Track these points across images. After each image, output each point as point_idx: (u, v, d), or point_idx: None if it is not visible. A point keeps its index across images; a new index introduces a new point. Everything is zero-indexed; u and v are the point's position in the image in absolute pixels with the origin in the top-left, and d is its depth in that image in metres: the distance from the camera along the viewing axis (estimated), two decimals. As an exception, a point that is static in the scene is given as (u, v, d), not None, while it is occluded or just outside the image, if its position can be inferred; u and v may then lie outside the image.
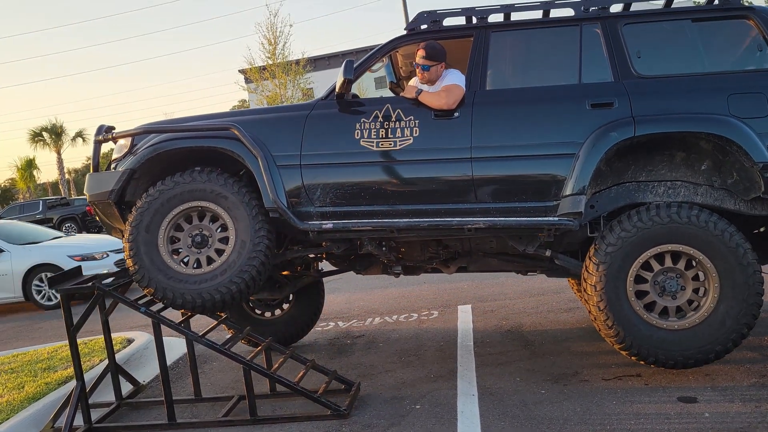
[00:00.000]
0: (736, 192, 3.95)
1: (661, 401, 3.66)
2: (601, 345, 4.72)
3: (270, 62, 28.12)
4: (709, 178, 4.03)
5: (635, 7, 4.30)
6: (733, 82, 3.92)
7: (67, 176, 46.80)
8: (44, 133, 42.86)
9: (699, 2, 4.40)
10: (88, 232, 27.51)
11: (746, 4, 4.14)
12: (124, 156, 4.41)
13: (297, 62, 28.75)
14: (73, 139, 43.79)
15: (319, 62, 41.10)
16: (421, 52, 4.23)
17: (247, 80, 35.24)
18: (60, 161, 43.60)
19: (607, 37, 4.11)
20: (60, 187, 44.77)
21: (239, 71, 40.59)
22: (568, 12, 4.25)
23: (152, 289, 4.09)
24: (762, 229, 4.44)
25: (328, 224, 4.09)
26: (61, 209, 27.26)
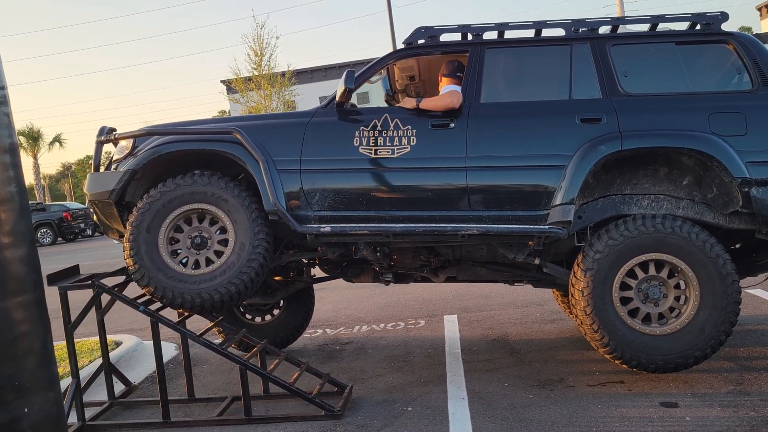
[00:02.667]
0: (715, 206, 4.14)
1: (644, 406, 3.81)
2: (586, 353, 4.88)
3: (256, 73, 28.24)
4: (690, 192, 4.23)
5: (622, 29, 4.52)
6: (714, 101, 4.13)
7: (42, 182, 46.23)
8: (21, 137, 42.31)
9: (670, 27, 4.63)
10: (64, 238, 27.22)
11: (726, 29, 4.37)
12: (126, 157, 4.49)
13: (283, 74, 28.91)
14: (51, 144, 43.31)
15: (302, 75, 41.25)
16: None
17: (230, 90, 35.25)
18: (36, 166, 43.06)
19: (596, 56, 4.31)
20: (35, 192, 44.15)
21: (221, 81, 40.63)
22: (560, 32, 4.45)
23: (152, 288, 4.16)
24: (738, 246, 4.66)
25: (326, 228, 4.20)
26: (37, 215, 26.89)
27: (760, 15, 50.67)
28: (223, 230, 4.30)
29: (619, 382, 4.22)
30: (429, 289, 7.86)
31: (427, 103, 4.28)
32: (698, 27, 4.37)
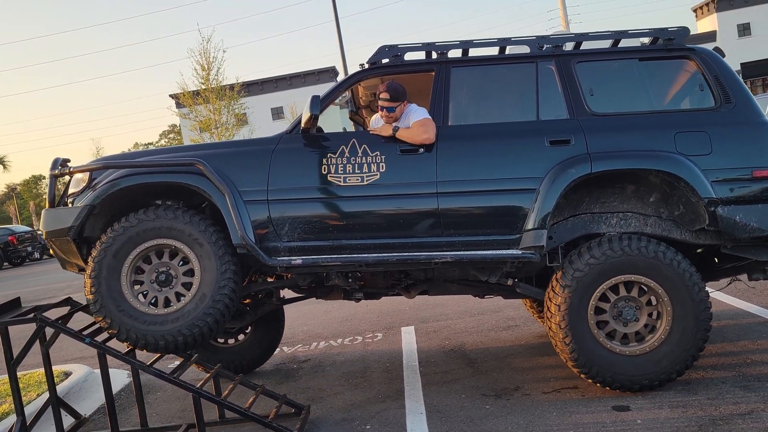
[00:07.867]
0: (682, 223, 4.18)
1: (597, 411, 3.88)
2: (540, 359, 4.95)
3: (204, 87, 27.88)
4: (657, 209, 4.25)
5: (586, 46, 4.47)
6: (679, 120, 4.14)
7: (-15, 204, 44.68)
8: (-40, 160, 40.87)
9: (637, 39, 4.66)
10: (11, 263, 26.33)
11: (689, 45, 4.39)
12: (83, 191, 4.32)
13: (231, 87, 28.61)
14: (-7, 165, 41.91)
15: (252, 87, 40.86)
16: (384, 95, 4.28)
17: (179, 105, 34.73)
18: (-22, 189, 41.62)
19: (562, 74, 4.28)
20: (-22, 216, 42.65)
21: (170, 96, 40.01)
22: (525, 49, 4.42)
23: (101, 317, 4.03)
24: (700, 251, 4.71)
25: (298, 260, 4.10)
26: (-19, 240, 25.96)
27: (696, 16, 52.53)
28: (192, 273, 4.14)
29: (572, 388, 4.29)
30: (387, 300, 7.81)
31: (403, 134, 4.17)
32: (660, 42, 4.37)
